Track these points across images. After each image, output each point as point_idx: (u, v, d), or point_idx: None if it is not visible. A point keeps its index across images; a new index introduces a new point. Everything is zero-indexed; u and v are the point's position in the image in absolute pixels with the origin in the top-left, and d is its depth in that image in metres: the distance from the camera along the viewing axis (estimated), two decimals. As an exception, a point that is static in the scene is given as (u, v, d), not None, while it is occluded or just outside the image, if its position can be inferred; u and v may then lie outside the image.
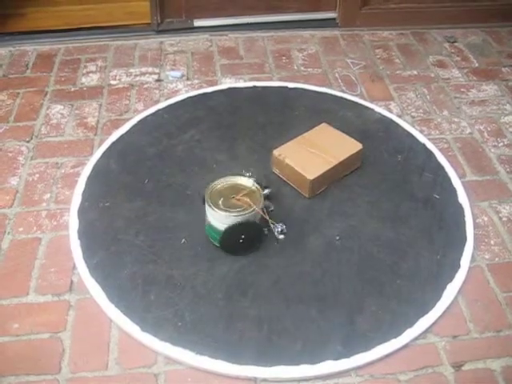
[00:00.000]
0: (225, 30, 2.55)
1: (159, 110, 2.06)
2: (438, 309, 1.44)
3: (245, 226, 1.51)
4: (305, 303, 1.44)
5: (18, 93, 2.15)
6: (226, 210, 1.50)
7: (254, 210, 1.51)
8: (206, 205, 1.53)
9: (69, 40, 2.46)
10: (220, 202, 1.52)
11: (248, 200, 1.53)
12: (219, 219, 1.51)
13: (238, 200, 1.53)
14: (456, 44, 2.52)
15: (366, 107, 2.11)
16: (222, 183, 1.58)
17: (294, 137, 1.85)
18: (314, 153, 1.76)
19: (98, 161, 1.84)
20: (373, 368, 1.33)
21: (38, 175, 1.80)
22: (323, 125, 1.90)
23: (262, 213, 1.54)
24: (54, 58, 2.36)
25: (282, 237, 1.59)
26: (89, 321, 1.41)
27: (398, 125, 2.03)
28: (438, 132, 2.02)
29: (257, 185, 1.58)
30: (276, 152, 1.78)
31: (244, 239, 1.52)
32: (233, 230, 1.50)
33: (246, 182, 1.59)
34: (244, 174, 1.66)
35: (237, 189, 1.57)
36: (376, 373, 1.32)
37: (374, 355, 1.34)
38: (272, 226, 1.58)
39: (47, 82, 2.21)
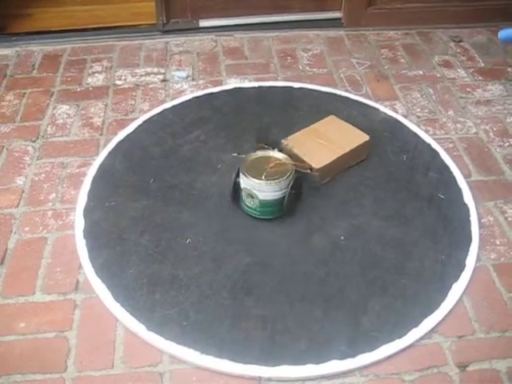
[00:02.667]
0: (230, 31, 2.56)
1: (165, 110, 2.07)
2: (443, 309, 1.44)
3: (294, 185, 1.61)
4: (309, 303, 1.44)
5: (25, 93, 2.16)
6: (278, 178, 1.57)
7: (293, 170, 1.61)
8: (255, 183, 1.57)
9: (75, 40, 2.47)
10: (263, 176, 1.58)
11: (285, 161, 1.64)
12: (272, 189, 1.57)
13: (272, 168, 1.60)
14: (461, 44, 2.52)
15: (371, 107, 2.11)
16: (248, 160, 1.65)
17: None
18: (321, 143, 1.79)
19: (104, 161, 1.85)
20: (377, 368, 1.33)
21: (43, 175, 1.80)
22: (331, 117, 1.94)
23: (300, 167, 1.65)
24: (60, 58, 2.37)
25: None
26: (94, 320, 1.41)
27: (403, 125, 2.03)
28: (443, 132, 2.02)
29: (281, 154, 1.67)
30: (284, 141, 1.80)
31: (295, 195, 1.63)
32: (290, 193, 1.59)
33: (267, 154, 1.67)
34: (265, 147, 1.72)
35: (261, 163, 1.63)
36: (381, 373, 1.32)
37: (378, 355, 1.34)
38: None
39: (53, 82, 2.22)
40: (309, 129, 1.88)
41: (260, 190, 1.58)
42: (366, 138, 1.84)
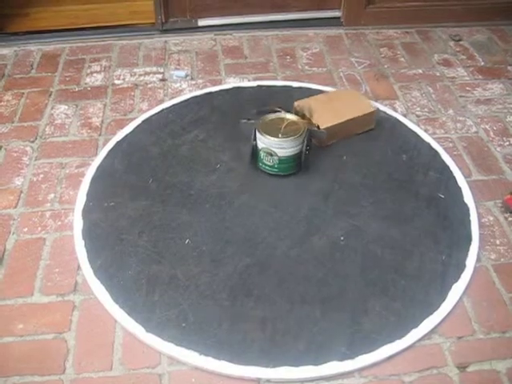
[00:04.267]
0: (229, 30, 2.55)
1: (163, 109, 2.06)
2: (443, 309, 1.43)
3: (310, 137, 1.76)
4: (309, 304, 1.44)
5: (23, 93, 2.15)
6: (294, 135, 1.71)
7: (306, 128, 1.75)
8: (275, 141, 1.69)
9: (73, 40, 2.46)
10: (280, 134, 1.71)
11: (298, 120, 1.78)
12: (291, 145, 1.70)
13: (286, 127, 1.74)
14: (461, 42, 2.51)
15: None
16: (262, 122, 1.76)
17: None
18: (329, 108, 1.93)
19: (103, 161, 1.84)
20: (377, 369, 1.32)
21: (42, 175, 1.80)
22: (345, 89, 2.16)
23: (312, 124, 1.80)
24: (59, 57, 2.36)
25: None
26: (93, 321, 1.41)
27: (402, 124, 2.02)
28: (443, 131, 2.01)
29: (293, 115, 1.80)
30: (295, 103, 1.93)
31: (308, 151, 1.76)
32: (306, 149, 1.74)
33: (279, 116, 1.80)
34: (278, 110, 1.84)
35: (275, 124, 1.76)
36: (380, 374, 1.32)
37: (378, 356, 1.33)
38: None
39: (52, 82, 2.21)
40: (321, 95, 2.05)
41: (279, 147, 1.70)
42: (371, 108, 1.96)
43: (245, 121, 1.82)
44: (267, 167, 1.76)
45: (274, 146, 1.70)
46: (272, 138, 1.70)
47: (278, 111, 1.81)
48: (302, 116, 1.82)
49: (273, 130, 1.72)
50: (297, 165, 1.77)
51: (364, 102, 2.00)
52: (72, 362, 1.32)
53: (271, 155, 1.71)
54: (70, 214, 1.67)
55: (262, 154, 1.74)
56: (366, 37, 2.54)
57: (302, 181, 1.78)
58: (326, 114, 1.89)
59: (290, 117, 1.79)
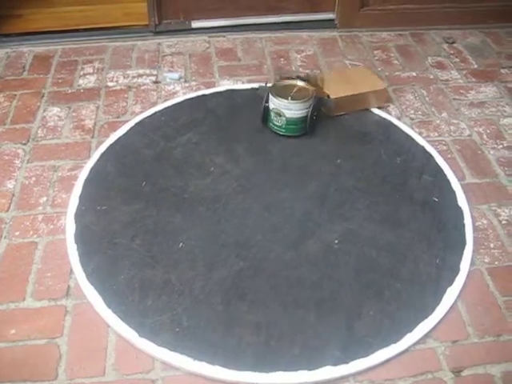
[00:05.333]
0: (223, 32, 2.54)
1: (157, 112, 2.05)
2: (438, 313, 1.43)
3: (314, 108, 1.92)
4: (303, 308, 1.43)
5: (15, 95, 2.14)
6: (302, 99, 1.89)
7: (313, 94, 1.92)
8: (284, 103, 1.87)
9: (66, 41, 2.44)
10: (289, 97, 1.88)
11: (307, 87, 1.95)
12: (298, 108, 1.88)
13: (296, 92, 1.92)
14: (455, 45, 2.51)
15: (365, 109, 2.10)
16: (276, 86, 1.95)
17: (292, 138, 1.93)
18: (342, 81, 2.08)
19: (96, 164, 1.83)
20: (372, 374, 1.32)
21: (34, 178, 1.78)
22: (361, 66, 2.31)
23: (320, 94, 1.96)
24: (51, 59, 2.34)
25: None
26: (86, 326, 1.40)
27: (396, 127, 2.02)
28: (436, 134, 2.01)
29: (303, 82, 1.97)
30: (310, 72, 2.13)
31: (315, 117, 1.94)
32: (314, 111, 1.91)
33: (291, 83, 1.98)
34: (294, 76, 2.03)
35: (286, 89, 1.93)
36: (375, 378, 1.31)
37: (373, 361, 1.33)
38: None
39: (44, 84, 2.19)
40: (336, 69, 2.27)
41: (287, 108, 1.88)
42: (382, 86, 2.10)
43: (263, 85, 2.01)
44: (276, 127, 1.94)
45: (283, 108, 1.88)
46: (282, 100, 1.88)
47: (299, 79, 1.98)
48: (315, 84, 1.97)
49: (284, 93, 1.91)
50: (303, 128, 1.93)
51: (376, 80, 2.14)
52: (64, 367, 1.31)
53: (280, 116, 1.89)
54: (63, 218, 1.66)
55: (272, 114, 1.93)
56: (360, 39, 2.54)
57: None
58: (338, 86, 2.04)
59: (302, 84, 1.96)
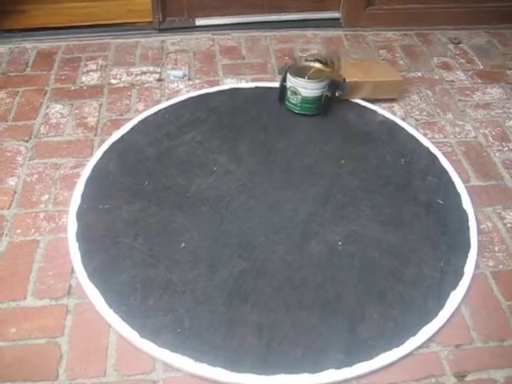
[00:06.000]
0: (227, 29, 2.53)
1: (160, 110, 2.04)
2: (441, 317, 1.42)
3: (329, 89, 2.01)
4: (306, 310, 1.42)
5: (18, 91, 2.12)
6: (317, 79, 1.98)
7: (328, 76, 2.01)
8: (301, 81, 1.97)
9: (69, 38, 2.43)
10: (306, 77, 1.98)
11: (326, 69, 2.05)
12: (313, 87, 1.97)
13: (313, 73, 2.01)
14: (460, 45, 2.50)
15: (370, 109, 2.09)
16: (294, 66, 2.06)
17: (296, 138, 1.93)
18: (360, 68, 2.17)
19: (98, 162, 1.82)
20: (375, 377, 1.31)
21: (36, 176, 1.77)
22: (381, 60, 2.38)
23: (336, 76, 2.05)
24: (55, 55, 2.33)
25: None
26: (87, 326, 1.39)
27: (401, 127, 2.01)
28: (441, 135, 2.00)
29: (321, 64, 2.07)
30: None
31: (329, 99, 2.03)
32: (326, 96, 2.00)
33: (310, 64, 2.08)
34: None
35: (304, 70, 2.03)
36: (378, 382, 1.30)
37: (376, 364, 1.32)
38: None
39: (47, 81, 2.18)
40: (354, 60, 2.35)
41: (303, 87, 1.97)
42: (398, 77, 2.14)
43: (284, 65, 2.11)
44: (291, 105, 2.03)
45: (299, 86, 1.98)
46: (299, 79, 1.98)
47: (317, 61, 2.08)
48: (331, 67, 2.06)
49: (302, 73, 2.00)
50: (317, 107, 2.02)
51: (393, 71, 2.20)
52: (65, 367, 1.30)
53: (296, 94, 1.99)
54: (64, 216, 1.64)
55: (288, 92, 2.02)
56: (365, 38, 2.52)
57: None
58: (355, 72, 2.12)
59: (320, 66, 2.06)
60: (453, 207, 1.71)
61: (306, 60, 2.12)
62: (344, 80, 2.05)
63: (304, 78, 1.98)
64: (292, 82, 2.00)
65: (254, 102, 2.09)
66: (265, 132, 1.96)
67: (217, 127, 1.97)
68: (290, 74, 2.00)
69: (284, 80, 2.04)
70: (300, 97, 1.99)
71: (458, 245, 1.60)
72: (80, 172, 1.78)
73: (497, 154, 1.93)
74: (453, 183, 1.79)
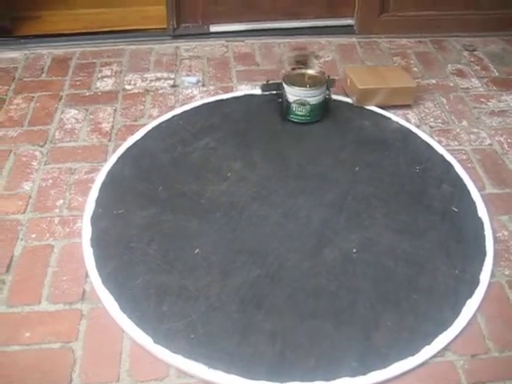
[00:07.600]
0: (241, 36, 2.53)
1: (174, 116, 2.05)
2: (457, 326, 1.41)
3: (327, 85, 2.03)
4: (320, 317, 1.41)
5: (33, 97, 2.14)
6: (320, 84, 2.00)
7: (325, 78, 2.03)
8: (309, 91, 1.96)
9: (84, 44, 2.45)
10: (308, 85, 1.98)
11: (316, 74, 2.07)
12: (319, 93, 1.98)
13: (308, 79, 2.02)
14: (475, 53, 2.49)
15: (384, 116, 2.08)
16: (288, 76, 2.04)
17: (310, 145, 1.92)
18: (374, 74, 2.17)
19: (112, 167, 1.82)
20: (389, 386, 1.30)
21: (51, 181, 1.78)
22: (395, 66, 2.37)
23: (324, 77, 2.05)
24: (69, 61, 2.35)
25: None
26: (101, 331, 1.39)
27: (415, 135, 2.00)
28: (456, 143, 1.99)
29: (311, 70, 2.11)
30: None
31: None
32: (328, 93, 2.03)
33: (300, 72, 2.08)
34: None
35: (297, 78, 2.02)
36: (392, 391, 1.29)
37: (390, 373, 1.31)
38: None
39: (62, 86, 2.20)
40: (370, 66, 2.35)
41: (312, 96, 1.97)
42: (413, 83, 2.14)
43: (265, 83, 2.11)
44: (299, 117, 2.01)
45: (308, 96, 1.96)
46: (305, 89, 1.96)
47: (300, 67, 2.12)
48: (303, 64, 2.15)
49: (301, 83, 1.98)
50: (323, 111, 2.04)
51: (408, 78, 2.18)
52: (79, 372, 1.30)
53: (303, 105, 1.96)
54: (79, 221, 1.65)
55: (293, 106, 1.98)
56: (379, 45, 2.52)
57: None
58: (368, 78, 2.12)
59: (310, 71, 2.08)
60: (468, 215, 1.70)
61: (293, 69, 2.11)
62: (329, 77, 2.05)
63: (306, 87, 1.97)
64: (297, 94, 1.96)
65: (267, 108, 2.09)
66: (279, 138, 1.96)
67: (231, 133, 1.97)
68: (293, 87, 1.97)
69: (280, 96, 2.02)
70: (309, 106, 1.97)
71: (474, 253, 1.59)
72: (94, 177, 1.79)
73: (512, 162, 1.91)
74: (468, 191, 1.78)
